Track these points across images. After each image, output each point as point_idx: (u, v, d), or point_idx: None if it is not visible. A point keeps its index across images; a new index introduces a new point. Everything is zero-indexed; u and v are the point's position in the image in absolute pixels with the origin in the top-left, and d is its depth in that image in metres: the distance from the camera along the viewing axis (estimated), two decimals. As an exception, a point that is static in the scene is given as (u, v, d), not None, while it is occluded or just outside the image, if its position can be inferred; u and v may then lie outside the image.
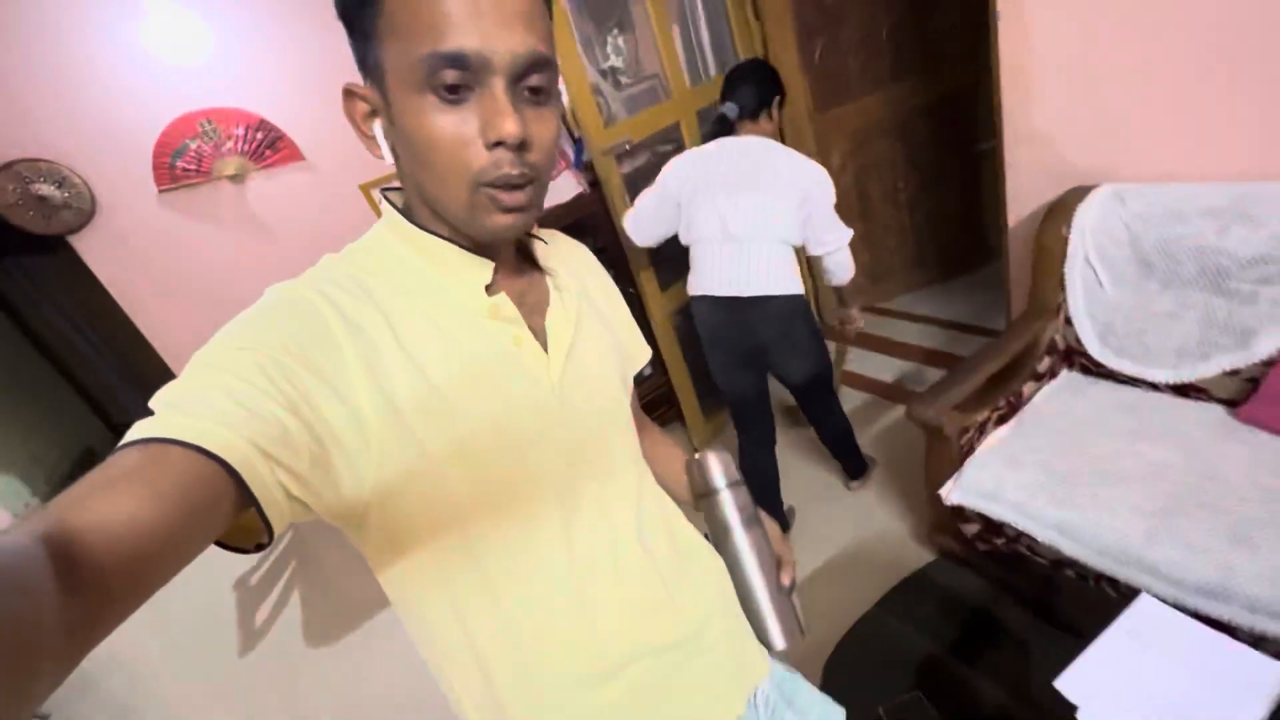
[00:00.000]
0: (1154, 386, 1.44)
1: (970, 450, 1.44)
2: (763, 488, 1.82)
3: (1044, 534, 1.25)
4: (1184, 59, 1.31)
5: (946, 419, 1.40)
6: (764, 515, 0.70)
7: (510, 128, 0.43)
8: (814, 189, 1.48)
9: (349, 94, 0.48)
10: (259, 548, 0.43)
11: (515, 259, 0.58)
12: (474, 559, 0.51)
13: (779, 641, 0.64)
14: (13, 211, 1.71)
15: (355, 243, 0.54)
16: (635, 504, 0.60)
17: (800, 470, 2.12)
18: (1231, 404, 1.32)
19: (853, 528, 1.86)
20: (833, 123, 2.58)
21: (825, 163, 1.51)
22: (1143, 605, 0.92)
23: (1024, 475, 1.32)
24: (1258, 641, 0.97)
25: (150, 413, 0.38)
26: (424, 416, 0.46)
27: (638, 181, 2.08)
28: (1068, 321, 1.55)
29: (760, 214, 1.50)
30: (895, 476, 1.98)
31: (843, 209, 1.56)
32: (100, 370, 2.50)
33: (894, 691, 1.34)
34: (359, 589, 2.13)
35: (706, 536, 0.68)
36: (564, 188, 2.30)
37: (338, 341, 0.44)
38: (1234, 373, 1.31)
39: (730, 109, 1.54)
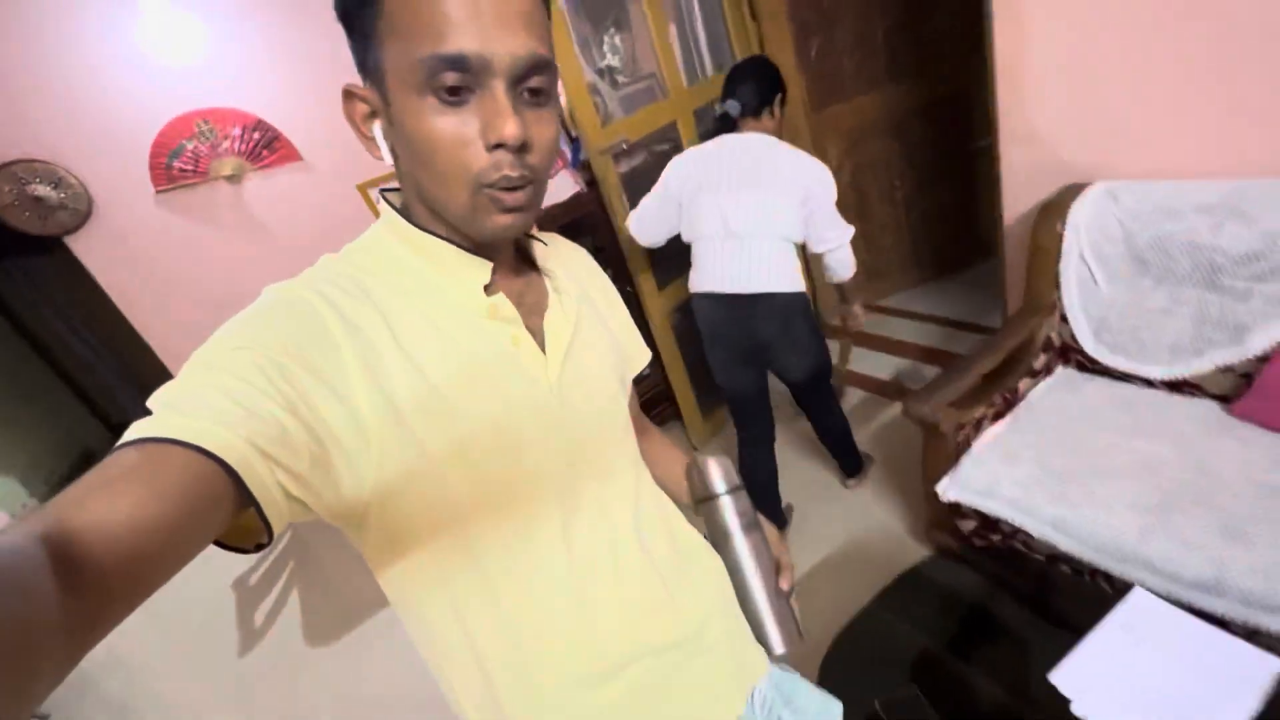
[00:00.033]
0: (1148, 383, 1.44)
1: (967, 447, 1.45)
2: (761, 485, 1.83)
3: (1039, 530, 1.26)
4: (1177, 57, 1.32)
5: (943, 416, 1.40)
6: (762, 519, 0.71)
7: (511, 130, 0.43)
8: (816, 186, 1.48)
9: (349, 95, 0.48)
10: (258, 548, 0.42)
11: (514, 260, 0.58)
12: (474, 559, 0.51)
13: (779, 646, 0.64)
14: (9, 212, 1.70)
15: (353, 243, 0.54)
16: (634, 504, 0.60)
17: (798, 468, 2.12)
18: (1225, 400, 1.33)
19: (850, 525, 1.87)
20: (829, 122, 2.58)
21: (821, 161, 1.52)
22: (1137, 599, 0.93)
23: (1020, 471, 1.32)
24: (1251, 635, 0.98)
25: (148, 413, 0.38)
26: (423, 416, 0.46)
27: (635, 181, 2.08)
28: (1063, 318, 1.56)
29: (762, 211, 1.50)
30: (892, 473, 1.98)
31: (839, 208, 1.57)
32: (98, 371, 2.49)
33: (890, 687, 1.35)
34: (358, 589, 2.13)
35: (706, 537, 0.69)
36: (561, 187, 2.30)
37: (336, 342, 0.44)
38: (1228, 369, 1.32)
39: (732, 106, 1.55)
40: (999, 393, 1.53)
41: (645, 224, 1.70)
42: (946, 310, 2.73)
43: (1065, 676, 0.85)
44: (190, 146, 1.90)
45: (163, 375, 2.05)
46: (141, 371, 2.19)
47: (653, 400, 2.41)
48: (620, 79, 2.22)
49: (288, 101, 2.01)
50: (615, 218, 2.00)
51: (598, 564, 0.55)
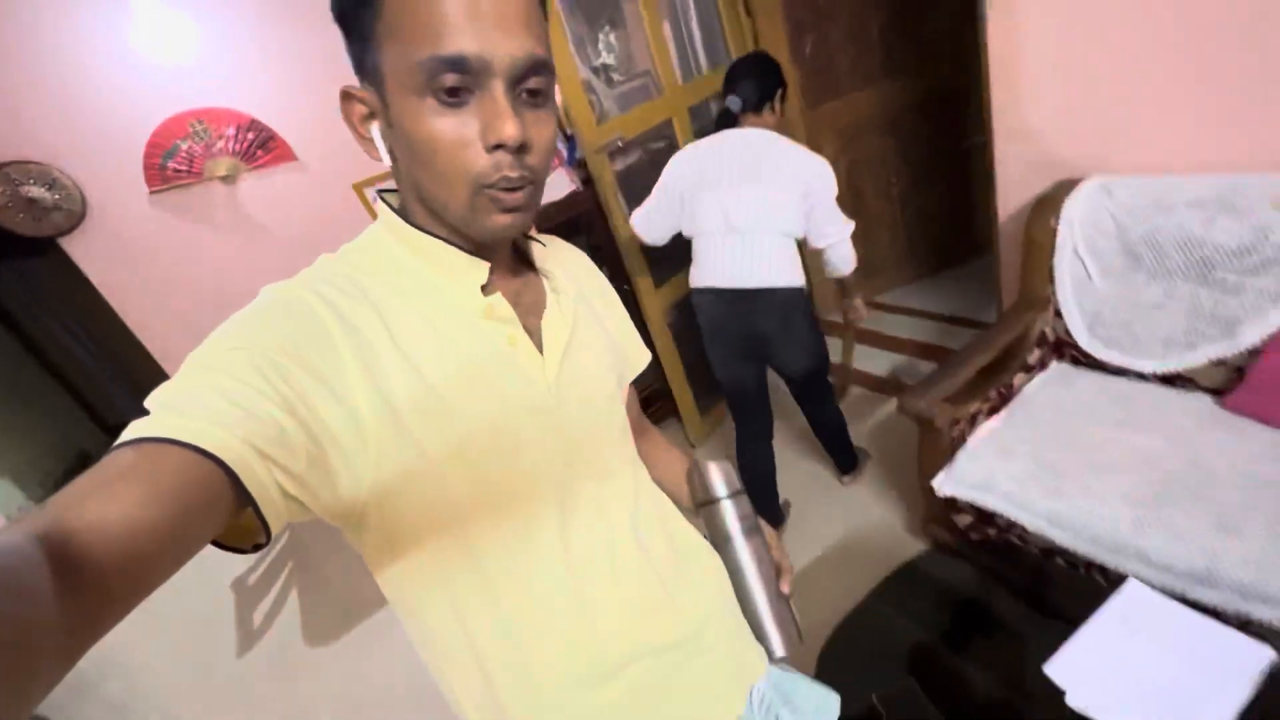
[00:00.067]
0: (1142, 376, 1.45)
1: (962, 442, 1.45)
2: (759, 481, 1.84)
3: (1035, 523, 1.27)
4: (1169, 53, 1.33)
5: (938, 411, 1.41)
6: (762, 523, 0.71)
7: (511, 131, 0.43)
8: (816, 182, 1.49)
9: (346, 97, 0.48)
10: (256, 548, 0.42)
11: (511, 260, 0.58)
12: (473, 559, 0.51)
13: (780, 649, 0.65)
14: (2, 214, 1.70)
15: (351, 243, 0.54)
16: (632, 504, 0.60)
17: (796, 465, 2.13)
18: (1218, 393, 1.34)
19: (847, 520, 1.88)
20: (824, 118, 2.59)
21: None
22: (1130, 591, 0.94)
23: (1015, 466, 1.33)
24: (1244, 625, 0.99)
25: (145, 413, 0.38)
26: (421, 416, 0.46)
27: (631, 179, 2.09)
28: (1057, 313, 1.57)
29: (763, 206, 1.51)
30: (888, 469, 1.99)
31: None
32: (93, 373, 2.49)
33: (887, 680, 1.36)
34: (356, 589, 2.13)
35: (706, 538, 0.69)
36: (557, 186, 2.30)
37: (334, 342, 0.44)
38: (1220, 362, 1.33)
39: (734, 102, 1.55)
40: (994, 388, 1.54)
41: (649, 222, 1.70)
42: (942, 306, 2.74)
43: (1060, 668, 0.86)
44: (184, 147, 1.90)
45: (158, 377, 2.05)
46: (137, 373, 2.18)
47: (650, 398, 2.42)
48: (615, 77, 2.22)
49: (282, 101, 2.01)
50: (611, 216, 2.00)
51: (596, 564, 0.55)
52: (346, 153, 2.06)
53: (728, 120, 1.58)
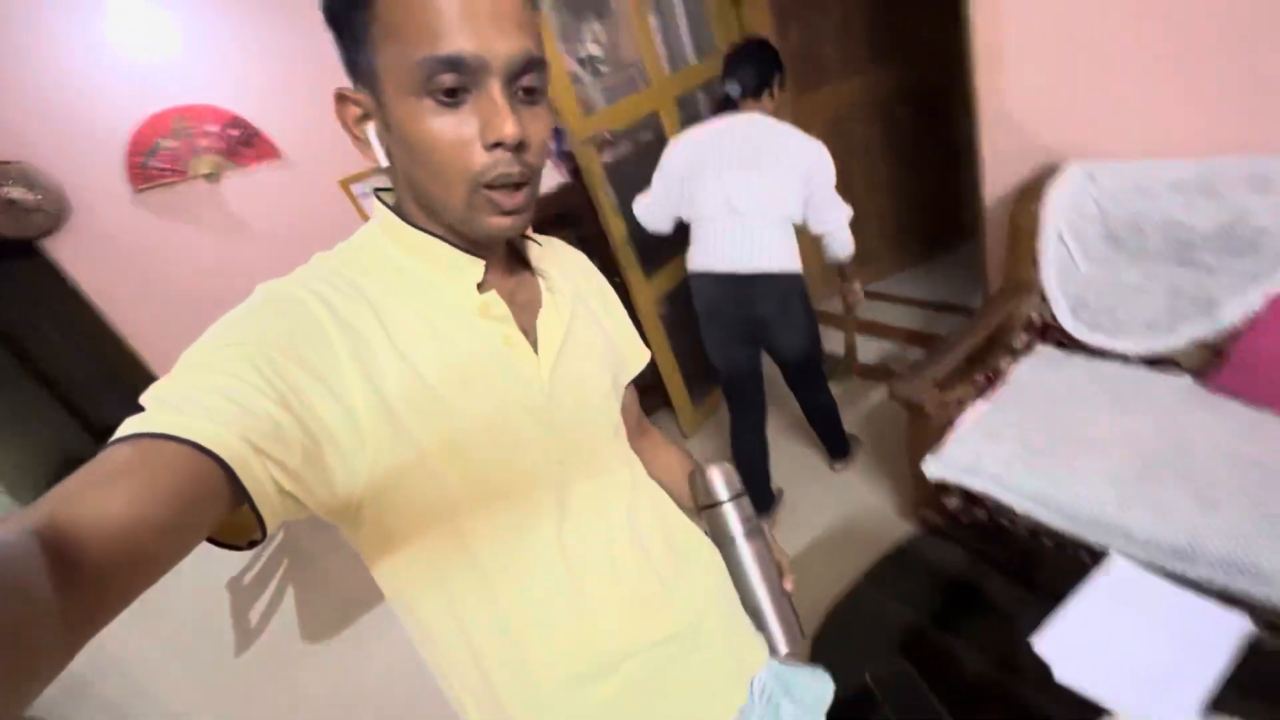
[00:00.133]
0: (1125, 359, 1.48)
1: (951, 426, 1.48)
2: (752, 465, 1.86)
3: (1022, 504, 1.29)
4: (1150, 40, 1.34)
5: (927, 396, 1.43)
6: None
7: (510, 129, 0.43)
8: (816, 168, 1.50)
9: (341, 99, 0.48)
10: (252, 544, 0.42)
11: (507, 259, 0.58)
12: (469, 556, 0.52)
13: (783, 647, 0.66)
14: (-18, 216, 1.68)
15: (347, 241, 0.54)
16: (629, 503, 0.61)
17: (789, 453, 2.15)
18: (1199, 374, 1.37)
19: (839, 506, 1.90)
20: (810, 107, 2.59)
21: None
22: (1114, 566, 0.96)
23: (1002, 448, 1.35)
24: (1223, 597, 1.01)
25: (141, 409, 0.38)
26: (418, 414, 0.46)
27: (620, 171, 2.08)
28: (1042, 298, 1.59)
29: (764, 191, 1.52)
30: (879, 455, 2.02)
31: (829, 189, 1.58)
32: (79, 376, 2.46)
33: (880, 661, 1.38)
34: (352, 585, 2.14)
35: (706, 534, 0.70)
36: (546, 178, 2.29)
37: (330, 340, 0.44)
38: (1202, 344, 1.35)
39: (733, 88, 1.56)
40: (981, 372, 1.56)
41: (652, 209, 1.70)
42: (929, 293, 2.76)
43: (1047, 642, 0.88)
44: (167, 145, 1.88)
45: (146, 378, 2.03)
46: (124, 375, 2.16)
47: (642, 389, 2.40)
48: (602, 68, 2.21)
49: (265, 97, 1.99)
50: (600, 208, 2.00)
51: (594, 562, 0.56)
52: (332, 149, 2.04)
53: (727, 106, 1.59)
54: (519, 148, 0.45)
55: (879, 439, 2.07)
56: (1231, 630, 0.83)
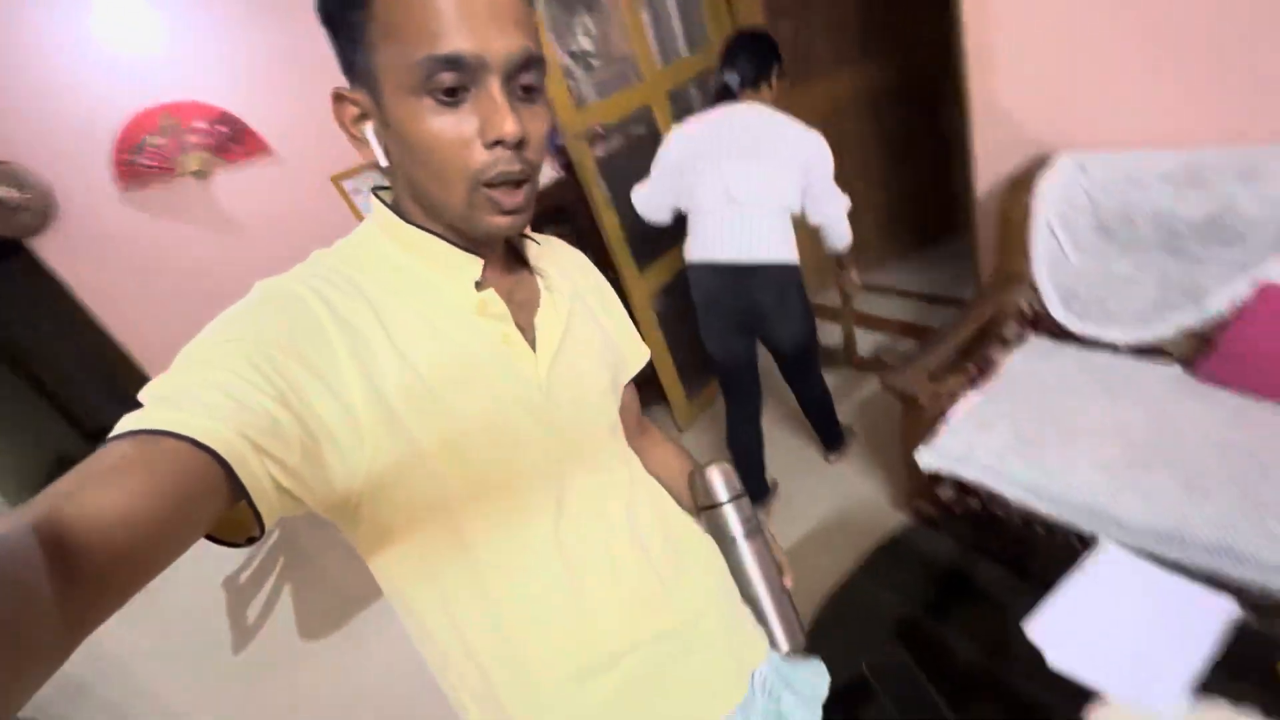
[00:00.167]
0: (1115, 348, 1.49)
1: (943, 417, 1.49)
2: (747, 455, 1.87)
3: (1014, 493, 1.31)
4: (1139, 31, 1.35)
5: (920, 388, 1.44)
6: (760, 522, 0.72)
7: (510, 128, 0.43)
8: (815, 158, 1.51)
9: (338, 99, 0.48)
10: (250, 541, 0.43)
11: (505, 258, 0.58)
12: (464, 552, 0.52)
13: (784, 645, 0.67)
14: (-32, 215, 1.66)
15: (345, 239, 0.54)
16: (627, 500, 0.61)
17: (783, 444, 2.16)
18: (1188, 363, 1.38)
19: (834, 497, 1.91)
20: (802, 100, 2.58)
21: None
22: (1104, 552, 0.97)
23: (994, 438, 1.37)
24: (1212, 581, 1.03)
25: (140, 405, 0.38)
26: (416, 412, 0.46)
27: (612, 165, 2.08)
28: (1034, 288, 1.60)
29: (764, 181, 1.52)
30: (873, 447, 2.03)
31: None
32: (69, 376, 2.44)
33: (875, 651, 1.39)
34: (349, 582, 2.14)
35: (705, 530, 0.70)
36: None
37: (328, 337, 0.44)
38: (1190, 333, 1.37)
39: (732, 78, 1.56)
40: (974, 363, 1.57)
41: (651, 199, 1.70)
42: (921, 285, 2.78)
43: (1039, 628, 0.90)
44: (154, 142, 1.86)
45: (137, 377, 2.02)
46: (115, 374, 2.15)
47: (637, 384, 2.42)
48: (593, 62, 2.20)
49: (254, 93, 1.97)
50: (593, 203, 2.00)
51: (593, 561, 0.56)
52: (323, 145, 2.03)
53: (726, 96, 1.59)
54: (519, 145, 0.45)
55: (872, 430, 2.09)
56: (1219, 614, 0.85)
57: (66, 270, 1.85)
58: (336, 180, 2.13)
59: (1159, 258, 1.41)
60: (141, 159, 1.85)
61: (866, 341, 2.57)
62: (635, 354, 0.72)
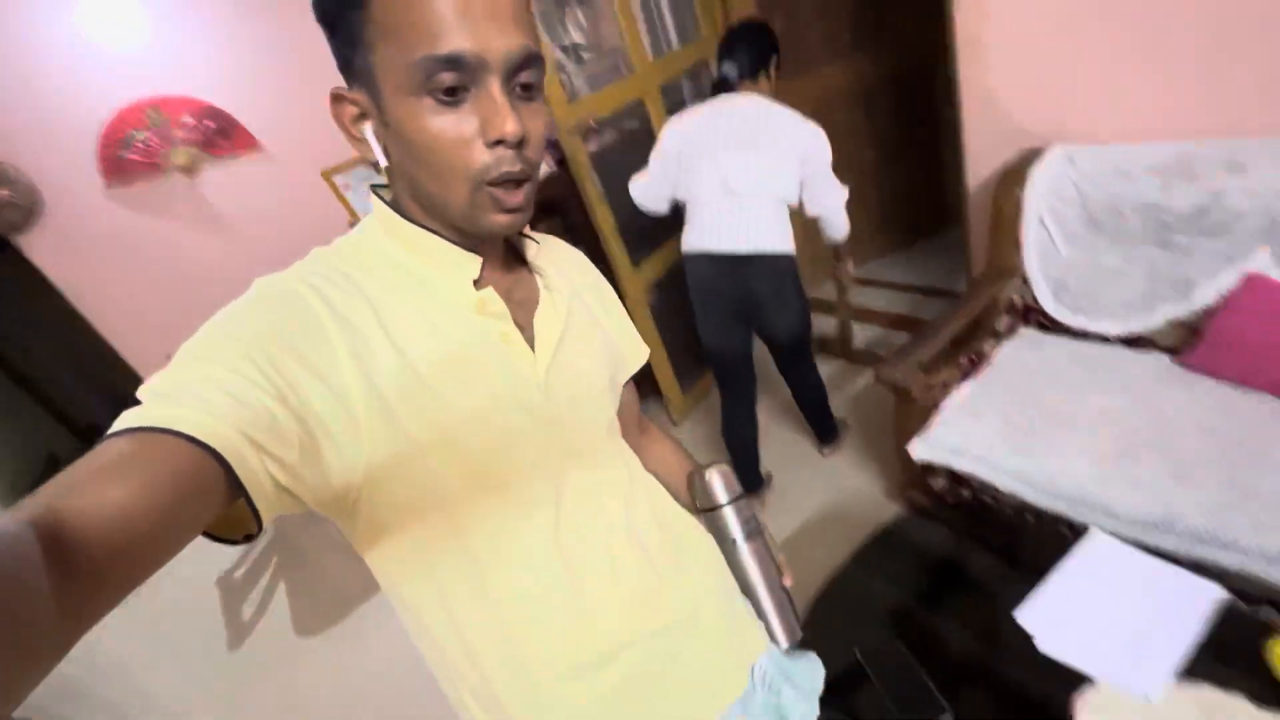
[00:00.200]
0: (1105, 339, 1.51)
1: (936, 408, 1.50)
2: (742, 447, 1.88)
3: (1006, 483, 1.32)
4: (1128, 24, 1.36)
5: (913, 380, 1.45)
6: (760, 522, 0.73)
7: (510, 127, 0.43)
8: (813, 149, 1.51)
9: (337, 98, 0.48)
10: (248, 538, 0.42)
11: (504, 257, 0.58)
12: (462, 549, 0.52)
13: (784, 642, 0.67)
14: (-49, 212, 1.63)
15: (344, 236, 0.54)
16: (626, 499, 0.61)
17: (777, 437, 2.17)
18: (1176, 352, 1.40)
19: (828, 489, 1.93)
20: (795, 93, 2.58)
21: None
22: (1093, 540, 0.99)
23: (986, 429, 1.38)
24: (1199, 567, 1.05)
25: (138, 402, 0.38)
26: (414, 410, 0.46)
27: (605, 159, 2.07)
28: (1025, 281, 1.61)
29: (762, 172, 1.52)
30: (867, 439, 2.04)
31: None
32: (58, 373, 2.41)
33: (869, 641, 1.41)
34: (344, 579, 2.13)
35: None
36: (530, 168, 2.28)
37: (327, 334, 0.44)
38: (1178, 323, 1.39)
39: (729, 69, 1.56)
40: (966, 355, 1.59)
41: (648, 189, 1.70)
42: (914, 278, 2.79)
43: (1029, 615, 0.91)
44: (141, 137, 1.84)
45: (125, 374, 2.00)
46: (103, 372, 2.13)
47: (632, 377, 2.43)
48: (585, 55, 2.19)
49: (243, 87, 1.95)
50: (587, 197, 1.99)
51: (593, 561, 0.56)
52: (314, 140, 2.01)
53: (723, 87, 1.59)
54: (519, 144, 0.45)
55: (866, 423, 2.10)
56: (1206, 598, 0.86)
57: (53, 267, 1.83)
58: (327, 175, 2.11)
59: (1147, 250, 1.43)
60: (128, 154, 1.83)
61: (859, 334, 2.59)
62: (634, 353, 0.72)
